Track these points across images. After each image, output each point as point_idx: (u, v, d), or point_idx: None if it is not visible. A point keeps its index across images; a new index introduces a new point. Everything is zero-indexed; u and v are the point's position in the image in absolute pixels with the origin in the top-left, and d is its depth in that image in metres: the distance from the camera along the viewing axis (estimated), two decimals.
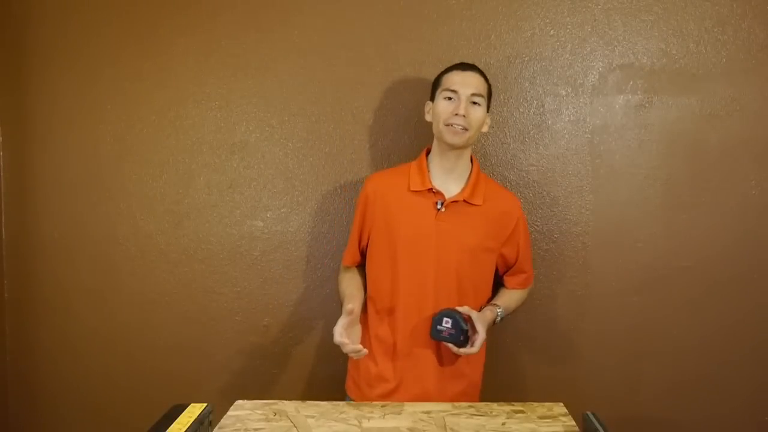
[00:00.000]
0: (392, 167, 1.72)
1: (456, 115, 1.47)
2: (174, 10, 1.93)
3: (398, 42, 1.89)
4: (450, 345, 1.45)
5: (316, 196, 1.94)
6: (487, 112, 1.56)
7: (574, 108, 1.89)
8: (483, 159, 1.91)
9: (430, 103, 1.58)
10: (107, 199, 1.98)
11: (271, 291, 1.97)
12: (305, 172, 1.95)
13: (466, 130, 1.49)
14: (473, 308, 1.51)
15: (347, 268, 1.69)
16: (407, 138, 1.91)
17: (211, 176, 1.96)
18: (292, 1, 1.91)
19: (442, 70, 1.58)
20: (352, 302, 1.46)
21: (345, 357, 1.61)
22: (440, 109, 1.51)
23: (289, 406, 1.33)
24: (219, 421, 1.25)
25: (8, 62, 1.98)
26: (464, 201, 1.53)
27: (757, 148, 1.87)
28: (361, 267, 1.67)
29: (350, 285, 1.61)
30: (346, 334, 1.37)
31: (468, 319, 1.45)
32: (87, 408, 2.03)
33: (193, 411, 1.19)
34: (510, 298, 1.67)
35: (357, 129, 1.92)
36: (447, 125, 1.49)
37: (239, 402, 1.34)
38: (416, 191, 1.53)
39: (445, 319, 1.44)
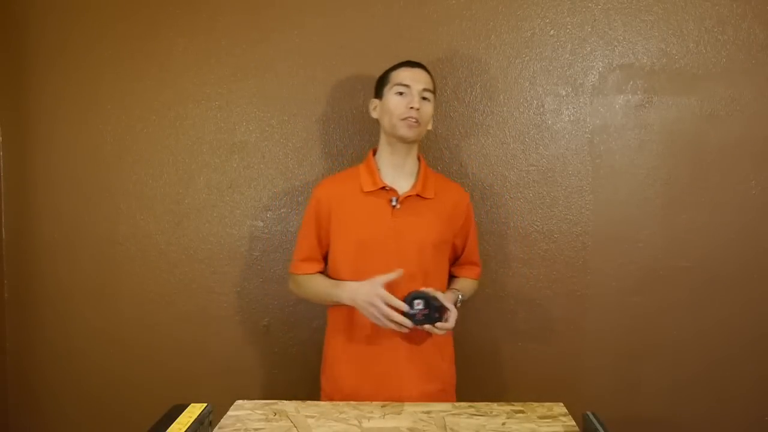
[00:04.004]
0: (339, 172, 1.70)
1: (410, 108, 1.49)
2: (174, 11, 1.93)
3: (398, 42, 1.89)
4: (425, 326, 1.41)
5: None
6: None
7: (574, 108, 1.89)
8: (483, 159, 1.91)
9: (375, 100, 1.59)
10: (107, 199, 1.98)
11: (271, 291, 1.97)
12: (305, 172, 1.95)
13: (419, 123, 1.50)
14: None
15: (310, 275, 1.60)
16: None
17: (211, 176, 1.96)
18: (292, 1, 1.91)
19: (389, 68, 1.58)
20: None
21: None
22: (393, 105, 1.51)
23: (289, 406, 1.33)
24: (219, 421, 1.25)
25: (8, 62, 1.98)
26: (417, 195, 1.54)
27: (757, 147, 1.87)
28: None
29: (326, 280, 1.57)
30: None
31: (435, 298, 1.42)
32: (87, 408, 2.03)
33: (193, 411, 1.19)
34: (465, 284, 1.66)
35: (357, 129, 1.92)
36: (402, 119, 1.50)
37: (239, 402, 1.34)
38: (369, 192, 1.53)
39: (416, 301, 1.40)
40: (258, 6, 1.91)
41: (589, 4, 1.88)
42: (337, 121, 1.92)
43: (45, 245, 2.01)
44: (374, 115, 1.59)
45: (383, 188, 1.53)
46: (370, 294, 1.41)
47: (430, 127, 1.59)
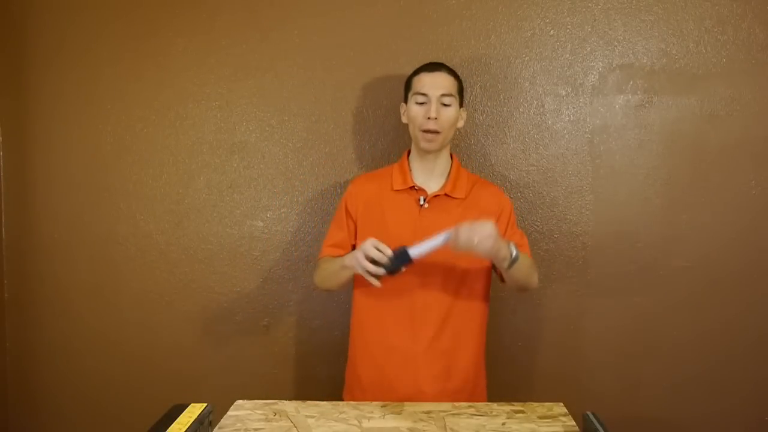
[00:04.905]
0: (376, 169, 1.71)
1: (428, 119, 1.50)
2: (174, 11, 1.93)
3: (398, 42, 1.89)
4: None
5: (316, 196, 1.94)
6: (461, 106, 1.57)
7: (574, 108, 1.89)
8: (483, 159, 1.91)
9: (404, 105, 1.60)
10: (107, 199, 1.98)
11: (271, 291, 1.97)
12: (305, 172, 1.95)
13: (439, 133, 1.51)
14: (466, 301, 1.51)
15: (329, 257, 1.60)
16: (407, 138, 1.91)
17: (211, 176, 1.96)
18: (292, 1, 1.91)
19: (413, 71, 1.57)
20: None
21: (345, 357, 1.62)
22: (413, 114, 1.54)
23: (289, 406, 1.33)
24: (219, 421, 1.25)
25: (8, 62, 1.98)
26: (446, 195, 1.54)
27: (757, 148, 1.87)
28: None
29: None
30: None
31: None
32: (87, 408, 2.03)
33: (193, 411, 1.19)
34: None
35: (357, 129, 1.92)
36: (422, 131, 1.51)
37: (239, 402, 1.34)
38: (399, 190, 1.56)
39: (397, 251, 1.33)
40: (258, 5, 1.91)
41: (589, 4, 1.88)
42: (337, 121, 1.92)
43: (45, 245, 2.01)
44: (404, 120, 1.61)
45: (413, 187, 1.55)
46: (366, 243, 1.36)
47: (460, 124, 1.59)
